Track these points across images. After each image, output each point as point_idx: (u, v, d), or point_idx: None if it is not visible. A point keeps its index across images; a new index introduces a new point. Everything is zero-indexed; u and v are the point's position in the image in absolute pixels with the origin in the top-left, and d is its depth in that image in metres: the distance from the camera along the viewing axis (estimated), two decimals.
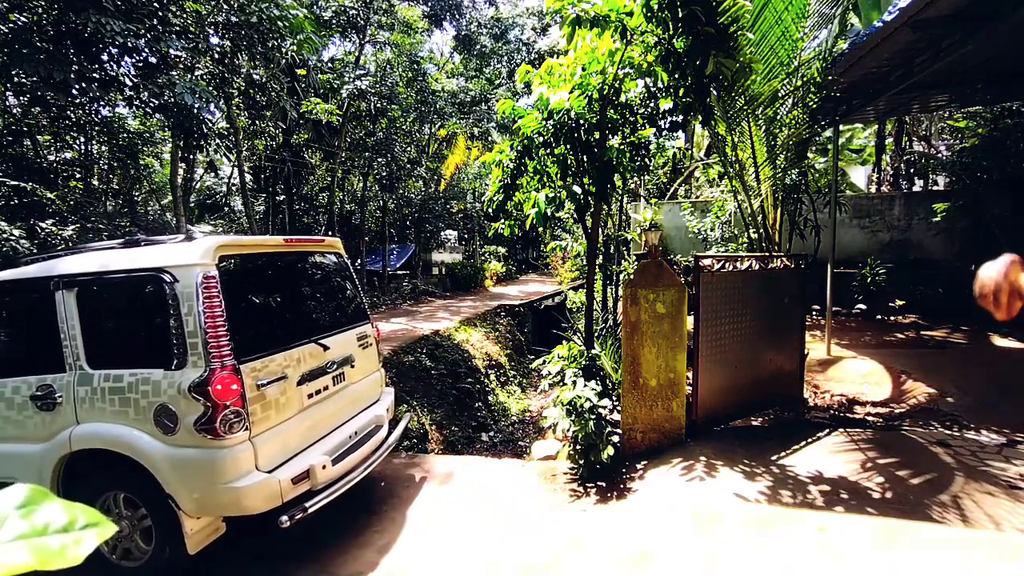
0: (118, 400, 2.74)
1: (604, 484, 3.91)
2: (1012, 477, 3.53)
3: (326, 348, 3.40)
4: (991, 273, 1.36)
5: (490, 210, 5.12)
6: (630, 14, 3.83)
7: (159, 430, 2.67)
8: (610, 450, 3.94)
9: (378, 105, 13.15)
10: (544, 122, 4.68)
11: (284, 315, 3.43)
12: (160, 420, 2.67)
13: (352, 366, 3.66)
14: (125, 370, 2.77)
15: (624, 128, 5.16)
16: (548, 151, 4.87)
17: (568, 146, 4.78)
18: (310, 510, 2.84)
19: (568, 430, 4.05)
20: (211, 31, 7.34)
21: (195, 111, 6.65)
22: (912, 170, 16.61)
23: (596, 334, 6.71)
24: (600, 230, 5.63)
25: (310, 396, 3.20)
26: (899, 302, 9.11)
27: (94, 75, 6.39)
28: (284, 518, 2.72)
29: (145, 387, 2.70)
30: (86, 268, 2.98)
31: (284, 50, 8.45)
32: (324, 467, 3.01)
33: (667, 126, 5.12)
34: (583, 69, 4.57)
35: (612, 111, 4.85)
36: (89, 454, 2.81)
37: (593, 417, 3.98)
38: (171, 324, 2.68)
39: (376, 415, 3.83)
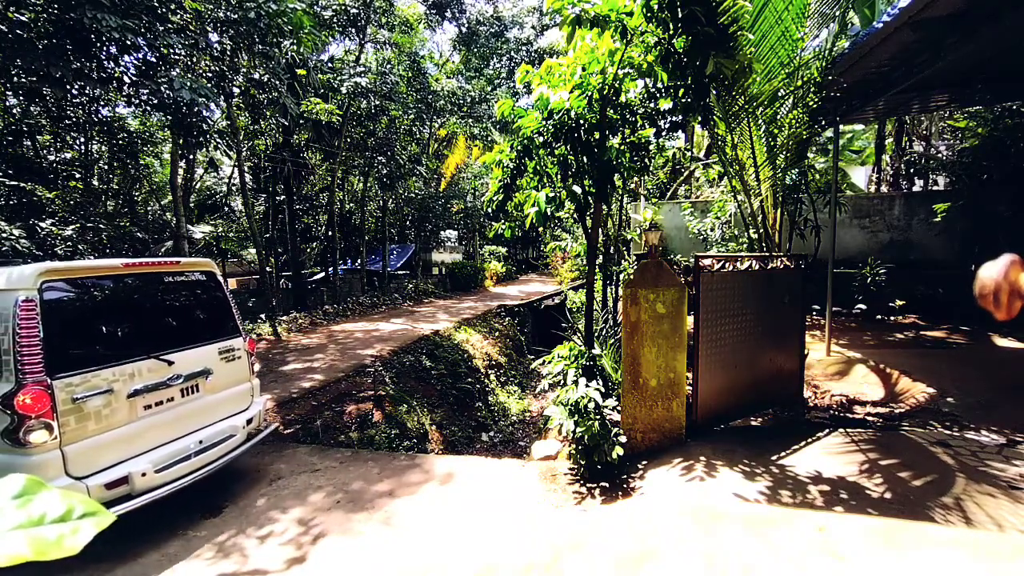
0: None
1: (605, 484, 3.90)
2: (1012, 477, 3.53)
3: (171, 363, 3.62)
4: (991, 273, 1.35)
5: (490, 210, 5.11)
6: (630, 14, 3.83)
7: None
8: (619, 450, 3.92)
9: (377, 104, 13.14)
10: (544, 122, 4.68)
11: (118, 333, 3.61)
12: None
13: (208, 379, 3.88)
14: None
15: (624, 128, 5.14)
16: (548, 151, 4.87)
17: (568, 146, 4.77)
18: (115, 514, 2.99)
19: (572, 431, 4.04)
20: (210, 28, 7.33)
21: (194, 108, 6.63)
22: (912, 170, 16.59)
23: (596, 334, 6.70)
24: (600, 230, 5.62)
25: (147, 408, 3.43)
26: (899, 302, 9.11)
27: (92, 73, 6.38)
28: None
29: None
30: None
31: (284, 48, 8.45)
32: (144, 474, 3.22)
33: (667, 126, 5.11)
34: (583, 69, 4.56)
35: (612, 111, 4.84)
36: None
37: (598, 418, 3.97)
38: None
39: (232, 424, 3.99)
